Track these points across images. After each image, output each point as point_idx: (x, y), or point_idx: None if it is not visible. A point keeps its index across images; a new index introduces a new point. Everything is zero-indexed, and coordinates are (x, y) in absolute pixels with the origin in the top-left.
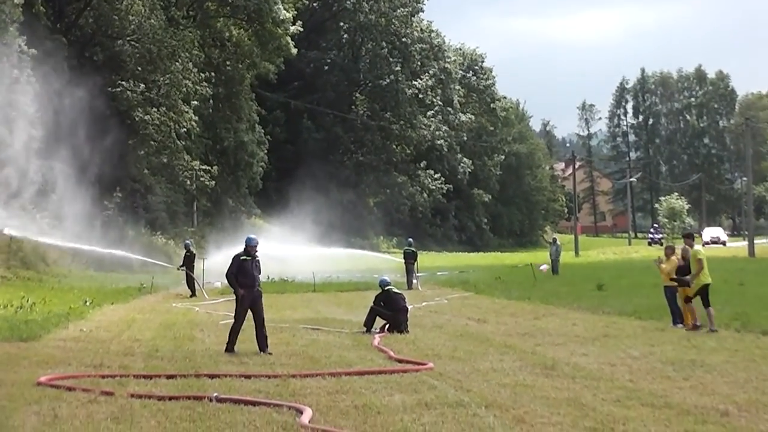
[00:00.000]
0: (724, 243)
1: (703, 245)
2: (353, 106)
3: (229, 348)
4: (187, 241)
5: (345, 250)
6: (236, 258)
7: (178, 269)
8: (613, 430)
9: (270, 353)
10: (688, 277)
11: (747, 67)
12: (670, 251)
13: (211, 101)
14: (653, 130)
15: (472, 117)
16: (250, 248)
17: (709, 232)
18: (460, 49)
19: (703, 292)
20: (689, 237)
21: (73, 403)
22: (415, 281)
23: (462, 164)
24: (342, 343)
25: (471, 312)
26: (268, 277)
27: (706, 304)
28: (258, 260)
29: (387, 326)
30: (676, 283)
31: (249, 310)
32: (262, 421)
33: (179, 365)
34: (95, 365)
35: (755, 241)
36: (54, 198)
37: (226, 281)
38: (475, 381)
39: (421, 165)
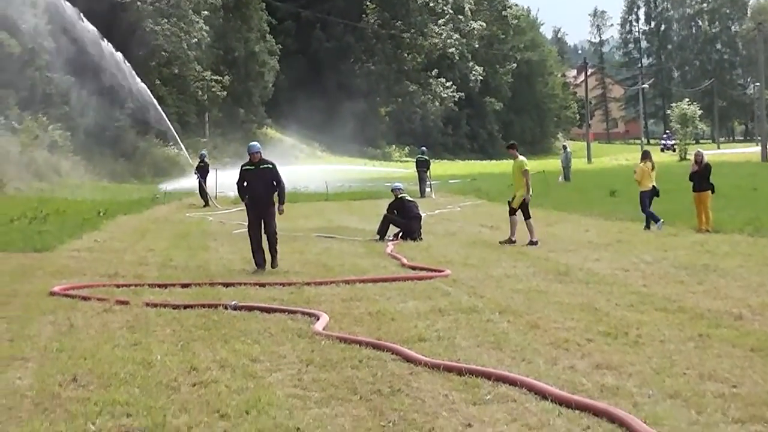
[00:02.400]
0: None
1: None
2: (364, 15)
3: (257, 264)
4: (203, 152)
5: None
6: (241, 168)
7: (195, 173)
8: (626, 335)
9: (275, 266)
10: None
11: None
12: (644, 156)
13: (221, 11)
14: (665, 36)
15: (484, 25)
16: (251, 156)
17: None
18: None
19: (525, 204)
20: (511, 147)
21: (88, 313)
22: (428, 189)
23: (473, 72)
24: (355, 251)
25: (484, 219)
26: None
27: (527, 216)
28: (267, 169)
29: (400, 234)
30: (648, 189)
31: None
32: (277, 328)
33: (193, 274)
34: (110, 275)
35: None
36: (66, 109)
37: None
38: (489, 287)
39: (433, 74)
